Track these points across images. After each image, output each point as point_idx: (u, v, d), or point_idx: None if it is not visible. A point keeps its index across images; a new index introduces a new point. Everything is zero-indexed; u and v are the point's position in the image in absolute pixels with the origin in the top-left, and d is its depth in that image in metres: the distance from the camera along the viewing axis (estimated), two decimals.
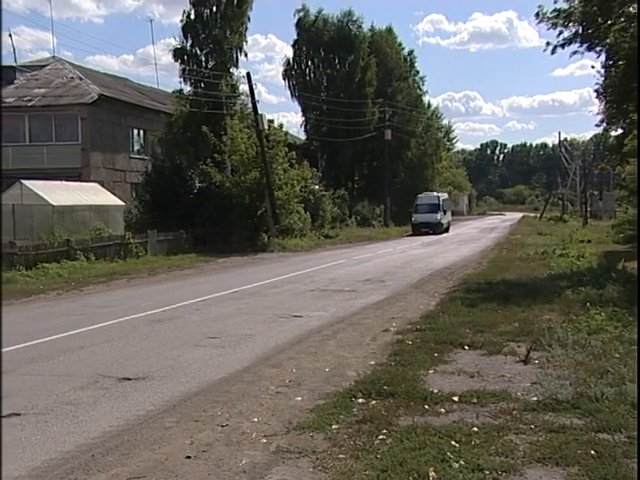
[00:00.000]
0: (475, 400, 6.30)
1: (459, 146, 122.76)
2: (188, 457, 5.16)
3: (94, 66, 51.60)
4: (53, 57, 40.04)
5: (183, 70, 33.21)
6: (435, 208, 45.45)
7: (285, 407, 6.43)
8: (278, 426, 5.86)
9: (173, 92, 35.02)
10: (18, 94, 34.06)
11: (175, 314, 12.52)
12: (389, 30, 59.10)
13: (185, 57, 33.13)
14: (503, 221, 65.18)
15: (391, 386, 6.73)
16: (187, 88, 33.72)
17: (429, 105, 69.10)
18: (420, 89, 64.33)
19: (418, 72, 64.48)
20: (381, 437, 5.38)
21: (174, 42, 33.78)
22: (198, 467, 4.98)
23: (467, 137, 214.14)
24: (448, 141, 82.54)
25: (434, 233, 43.08)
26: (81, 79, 35.01)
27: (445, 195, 51.61)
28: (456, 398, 6.36)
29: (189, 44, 33.20)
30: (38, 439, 5.70)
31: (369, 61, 51.94)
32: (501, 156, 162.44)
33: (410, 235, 43.83)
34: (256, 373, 7.81)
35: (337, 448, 5.21)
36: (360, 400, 6.41)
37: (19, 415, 6.34)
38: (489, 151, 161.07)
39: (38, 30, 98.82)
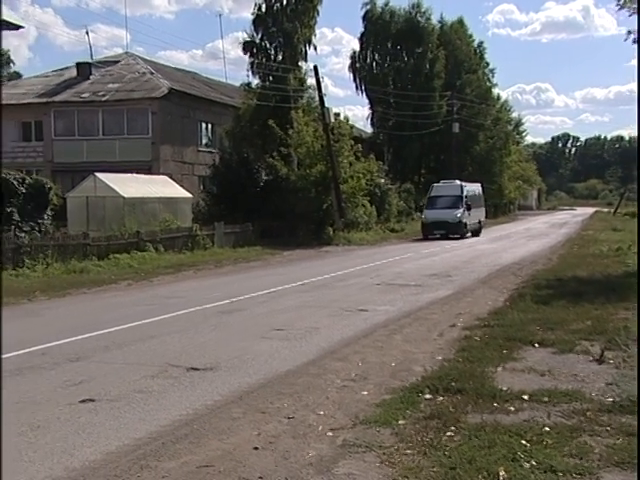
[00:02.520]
0: (546, 399, 6.13)
1: (529, 139, 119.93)
2: (255, 448, 5.20)
3: (165, 61, 52.81)
4: (126, 53, 41.03)
5: (252, 63, 33.49)
6: (455, 202, 34.11)
7: (351, 401, 6.41)
8: (344, 420, 5.84)
9: (241, 85, 35.39)
10: (93, 89, 35.02)
11: (242, 306, 12.66)
12: (459, 21, 58.24)
13: (254, 50, 33.40)
14: (574, 216, 63.50)
15: (459, 382, 6.62)
16: (255, 81, 34.04)
17: (498, 98, 67.75)
18: (490, 81, 63.25)
19: (488, 64, 63.41)
20: (449, 434, 5.30)
21: (243, 36, 34.16)
22: (265, 458, 5.00)
23: (537, 130, 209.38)
24: (517, 134, 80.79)
25: (452, 237, 32.92)
26: (152, 74, 35.76)
27: (474, 186, 38.62)
28: (526, 396, 6.20)
29: (259, 37, 33.45)
30: (112, 425, 5.84)
31: (438, 53, 51.27)
32: (573, 149, 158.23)
33: (420, 240, 32.73)
34: (322, 366, 7.81)
35: (404, 444, 5.16)
36: (427, 396, 6.34)
37: (93, 401, 6.51)
38: (560, 144, 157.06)
39: (113, 27, 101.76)
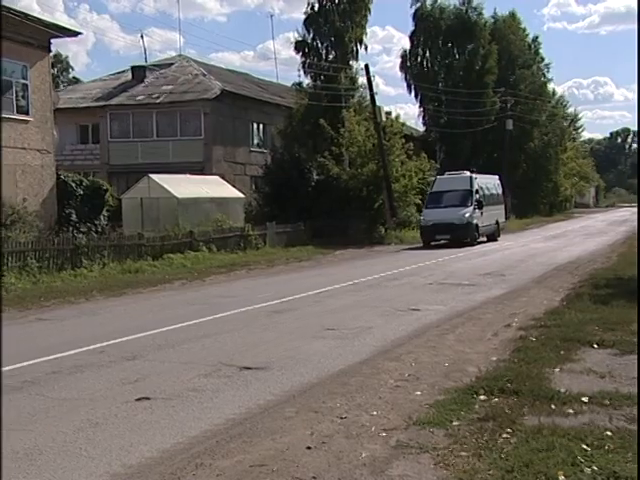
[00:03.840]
0: (607, 402, 5.95)
1: (586, 135, 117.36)
2: (308, 448, 5.18)
3: (217, 63, 53.42)
4: (179, 55, 41.65)
5: (303, 63, 33.62)
6: (463, 198, 28.08)
7: (404, 401, 6.34)
8: (397, 420, 5.78)
9: (293, 85, 35.54)
10: (147, 92, 35.64)
11: (294, 305, 12.69)
12: (512, 16, 57.30)
13: (306, 50, 33.52)
14: (634, 214, 61.76)
15: (515, 384, 6.48)
16: (307, 81, 34.14)
17: (554, 93, 66.48)
18: (545, 76, 62.08)
19: (543, 59, 62.16)
20: (505, 436, 5.19)
21: (294, 36, 34.32)
22: (318, 458, 4.99)
23: (595, 125, 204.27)
24: (574, 130, 79.13)
25: (457, 242, 26.56)
26: (205, 75, 36.20)
27: (489, 179, 32.53)
28: (585, 399, 6.03)
29: (310, 37, 33.55)
30: (167, 423, 5.91)
31: (490, 49, 50.51)
32: (634, 145, 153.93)
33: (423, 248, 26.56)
34: (375, 366, 7.76)
35: (459, 445, 5.07)
36: (482, 397, 6.22)
37: (149, 399, 6.60)
38: (620, 140, 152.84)
39: (167, 30, 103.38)
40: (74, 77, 58.37)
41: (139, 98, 35.20)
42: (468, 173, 29.62)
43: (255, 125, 37.35)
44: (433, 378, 7.12)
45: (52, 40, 24.20)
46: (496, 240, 29.80)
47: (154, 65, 39.69)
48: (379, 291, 14.54)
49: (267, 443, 5.32)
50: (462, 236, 27.00)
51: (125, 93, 36.12)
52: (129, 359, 8.43)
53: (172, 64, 38.95)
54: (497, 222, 31.01)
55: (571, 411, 5.75)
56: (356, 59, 33.93)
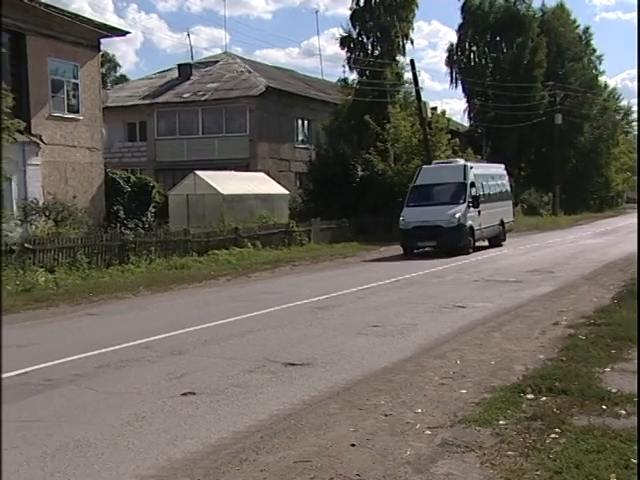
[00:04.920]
0: None
1: None
2: (352, 445, 5.16)
3: (262, 60, 53.66)
4: (225, 53, 41.98)
5: (349, 59, 33.56)
6: (454, 194, 22.60)
7: (449, 399, 6.27)
8: (443, 418, 5.72)
9: (338, 81, 35.50)
10: (193, 90, 36.02)
11: (338, 302, 12.67)
12: (561, 7, 56.21)
13: (351, 45, 33.45)
14: None
15: (563, 383, 6.36)
16: (352, 77, 34.06)
17: (606, 86, 64.94)
18: (596, 69, 60.68)
19: (595, 51, 60.76)
20: (553, 436, 5.09)
21: (339, 32, 34.27)
22: (362, 455, 4.96)
23: None
24: (627, 124, 77.20)
25: (447, 250, 21.26)
26: (250, 72, 36.41)
27: (490, 169, 26.95)
28: None
29: (356, 32, 33.48)
30: (212, 418, 5.95)
31: (539, 42, 49.55)
32: None
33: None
34: (419, 363, 7.69)
35: (505, 445, 4.99)
36: (529, 396, 6.12)
37: (194, 394, 6.66)
38: None
39: (213, 28, 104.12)
40: (122, 75, 59.31)
41: (185, 96, 35.59)
42: (462, 161, 24.51)
43: (300, 121, 37.41)
44: (479, 376, 7.03)
45: (102, 40, 24.64)
46: (500, 245, 24.51)
47: (200, 63, 40.10)
48: (423, 288, 14.42)
49: (311, 439, 5.32)
50: (451, 242, 21.34)
51: (171, 91, 36.56)
52: (175, 354, 8.53)
53: (218, 61, 39.28)
54: (502, 222, 25.34)
55: (623, 412, 5.61)
56: (402, 54, 33.75)
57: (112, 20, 77.50)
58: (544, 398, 6.03)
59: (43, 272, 15.65)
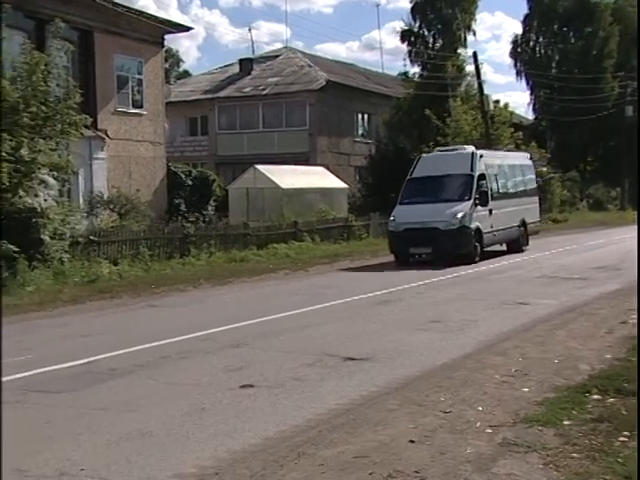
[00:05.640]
0: None
1: None
2: (411, 441, 5.09)
3: (322, 54, 53.75)
4: (286, 47, 42.14)
5: (409, 52, 33.33)
6: (458, 189, 18.74)
7: (511, 397, 6.14)
8: (504, 417, 5.59)
9: (398, 75, 35.27)
10: (254, 84, 36.30)
11: (397, 297, 12.58)
12: None
13: (412, 39, 33.20)
14: None
15: (632, 384, 6.13)
16: (413, 70, 33.79)
17: None
18: None
19: None
20: (622, 439, 4.91)
21: (399, 26, 34.05)
22: (421, 452, 4.89)
23: None
24: None
25: (443, 257, 17.46)
26: (310, 66, 36.46)
27: (508, 158, 22.74)
28: None
29: (417, 25, 33.21)
30: (270, 411, 5.97)
31: (611, 31, 47.86)
32: None
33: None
34: (479, 360, 7.55)
35: (570, 446, 4.84)
36: (595, 396, 5.93)
37: (253, 387, 6.69)
38: None
39: (274, 23, 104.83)
40: (185, 71, 60.22)
41: (246, 90, 35.90)
42: (470, 148, 19.95)
43: (360, 115, 37.29)
44: (542, 375, 6.86)
45: (165, 36, 25.07)
46: (521, 250, 20.53)
47: (261, 57, 40.38)
48: (484, 284, 14.19)
49: (370, 435, 5.28)
50: (450, 248, 17.38)
51: (233, 86, 36.93)
52: (234, 347, 8.59)
53: (278, 56, 39.47)
54: (523, 223, 21.11)
55: None
56: (464, 46, 33.32)
57: (176, 16, 78.77)
58: (611, 399, 5.83)
59: (107, 264, 16.01)
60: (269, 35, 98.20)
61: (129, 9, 22.56)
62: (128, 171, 22.83)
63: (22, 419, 5.96)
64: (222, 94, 36.27)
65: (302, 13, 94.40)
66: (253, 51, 45.96)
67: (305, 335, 9.29)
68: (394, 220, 18.67)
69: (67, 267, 14.90)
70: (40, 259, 14.36)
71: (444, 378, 6.85)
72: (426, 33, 33.20)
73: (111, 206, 20.27)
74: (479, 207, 18.34)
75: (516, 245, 20.68)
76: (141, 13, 23.51)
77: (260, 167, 26.34)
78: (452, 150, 20.71)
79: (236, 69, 38.91)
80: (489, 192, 18.91)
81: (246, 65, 38.38)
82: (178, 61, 61.87)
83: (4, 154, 13.65)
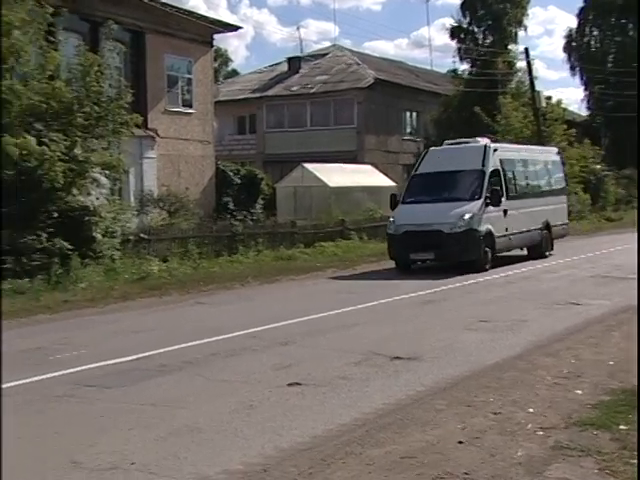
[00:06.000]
0: None
1: None
2: (460, 442, 5.02)
3: (371, 52, 53.44)
4: (334, 45, 42.13)
5: (459, 49, 33.05)
6: (468, 186, 16.82)
7: (563, 400, 6.00)
8: (556, 419, 5.47)
9: (447, 72, 34.96)
10: (301, 82, 36.40)
11: (445, 296, 12.46)
12: None
13: (462, 35, 32.89)
14: None
15: None
16: (462, 67, 33.46)
17: None
18: None
19: None
20: None
21: (449, 22, 33.75)
22: (470, 454, 4.81)
23: None
24: None
25: (448, 263, 16.28)
26: (358, 64, 36.39)
27: (534, 152, 21.04)
28: None
29: (466, 22, 32.87)
30: (317, 409, 5.96)
31: None
32: None
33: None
34: (530, 361, 7.41)
35: (627, 451, 4.70)
36: None
37: (300, 385, 6.69)
38: None
39: (322, 21, 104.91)
40: (233, 70, 60.74)
41: (294, 89, 36.02)
42: (483, 141, 17.82)
43: (408, 113, 37.06)
44: (596, 377, 6.69)
45: (215, 35, 25.32)
46: (544, 256, 18.30)
47: (309, 56, 40.46)
48: (534, 283, 13.95)
49: (417, 435, 5.22)
50: (455, 254, 15.69)
51: (281, 84, 37.09)
52: (282, 344, 8.61)
53: (326, 54, 39.50)
54: (547, 226, 18.92)
55: None
56: (515, 42, 32.85)
57: (225, 16, 79.55)
58: None
59: (157, 261, 16.23)
60: (317, 33, 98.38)
61: (179, 9, 22.87)
62: (177, 170, 23.13)
63: (76, 413, 6.08)
64: (270, 93, 36.47)
65: (350, 11, 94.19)
66: (301, 49, 46.12)
67: (352, 334, 9.25)
68: (394, 222, 16.73)
69: (118, 264, 15.15)
70: (92, 256, 14.64)
71: (493, 379, 6.74)
72: (476, 29, 32.91)
73: (161, 204, 20.56)
74: (490, 207, 16.31)
75: (537, 251, 18.45)
76: (191, 13, 23.81)
77: (308, 165, 26.38)
78: (463, 143, 18.28)
79: (284, 68, 39.08)
80: (504, 190, 16.92)
81: (294, 64, 38.50)
82: (227, 60, 62.45)
83: (59, 154, 13.94)
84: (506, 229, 16.93)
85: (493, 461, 4.67)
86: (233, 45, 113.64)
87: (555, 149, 22.93)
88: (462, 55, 33.22)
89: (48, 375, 7.30)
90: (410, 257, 16.41)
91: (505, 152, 18.13)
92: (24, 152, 13.61)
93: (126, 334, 9.78)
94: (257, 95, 36.64)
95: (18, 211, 13.77)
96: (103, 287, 13.72)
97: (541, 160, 20.37)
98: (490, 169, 16.75)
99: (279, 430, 5.42)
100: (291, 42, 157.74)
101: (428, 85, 38.21)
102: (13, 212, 13.76)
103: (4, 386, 6.72)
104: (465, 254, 15.66)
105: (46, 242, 13.61)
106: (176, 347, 8.55)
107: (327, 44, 51.04)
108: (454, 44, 33.29)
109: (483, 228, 15.95)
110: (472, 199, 16.22)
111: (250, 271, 16.64)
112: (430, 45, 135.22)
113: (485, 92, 30.97)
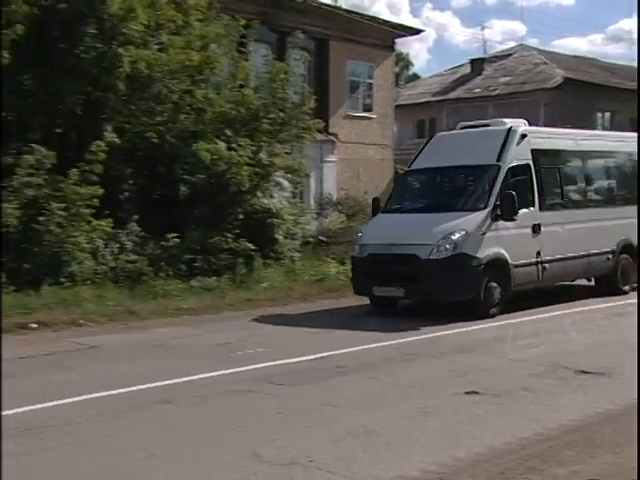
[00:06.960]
0: None
1: None
2: None
3: (560, 50, 50.83)
4: (519, 45, 40.75)
5: None
6: (473, 190, 11.77)
7: None
8: None
9: None
10: (484, 84, 35.56)
11: (634, 309, 11.56)
12: None
13: None
14: None
15: None
16: None
17: None
18: None
19: None
20: None
21: None
22: None
23: None
24: None
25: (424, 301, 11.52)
26: (546, 64, 34.90)
27: (598, 138, 15.28)
28: None
29: None
30: (496, 420, 5.75)
31: None
32: None
33: None
34: None
35: None
36: None
37: (478, 394, 6.50)
38: None
39: (508, 21, 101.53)
40: (414, 74, 60.67)
41: (476, 91, 35.27)
42: (510, 123, 12.42)
43: (600, 114, 34.97)
44: None
45: (396, 40, 25.43)
46: (621, 292, 12.96)
47: (493, 57, 39.43)
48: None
49: (608, 457, 4.87)
50: (434, 290, 10.79)
51: (462, 87, 36.45)
52: (460, 351, 8.45)
53: (511, 54, 38.26)
54: (625, 247, 13.31)
55: None
56: None
57: (407, 20, 79.77)
58: None
59: (335, 264, 16.51)
60: (502, 34, 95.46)
61: (363, 16, 23.22)
62: (357, 173, 23.47)
63: (257, 408, 6.32)
64: (451, 95, 35.96)
65: (539, 8, 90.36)
66: (485, 50, 45.07)
67: (534, 343, 8.93)
68: (361, 239, 11.96)
69: (298, 265, 15.57)
70: (274, 257, 15.19)
71: None
72: None
73: (339, 207, 20.94)
74: (501, 222, 11.07)
75: (609, 282, 13.15)
76: (374, 19, 24.10)
77: None
78: (482, 126, 13.09)
79: (466, 70, 38.35)
80: (536, 196, 11.78)
81: (477, 65, 37.68)
82: (408, 64, 62.45)
83: (245, 158, 14.65)
84: (537, 253, 11.70)
85: None
86: (415, 49, 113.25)
87: (634, 134, 15.63)
88: None
89: (231, 370, 7.67)
90: (372, 288, 11.45)
91: (543, 139, 12.60)
92: (215, 157, 14.45)
93: (308, 335, 10.00)
94: (438, 98, 36.26)
95: (209, 213, 14.65)
96: (283, 287, 14.15)
97: (609, 152, 14.15)
98: (510, 164, 11.47)
99: (455, 439, 5.28)
100: (474, 43, 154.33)
101: (625, 83, 35.76)
102: (205, 214, 14.67)
103: (196, 377, 7.20)
104: (451, 291, 10.76)
105: (232, 242, 14.31)
106: (353, 349, 8.66)
107: (512, 44, 49.47)
108: None
109: (485, 253, 10.86)
110: (473, 209, 11.20)
111: None
112: (632, 39, 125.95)
113: None
